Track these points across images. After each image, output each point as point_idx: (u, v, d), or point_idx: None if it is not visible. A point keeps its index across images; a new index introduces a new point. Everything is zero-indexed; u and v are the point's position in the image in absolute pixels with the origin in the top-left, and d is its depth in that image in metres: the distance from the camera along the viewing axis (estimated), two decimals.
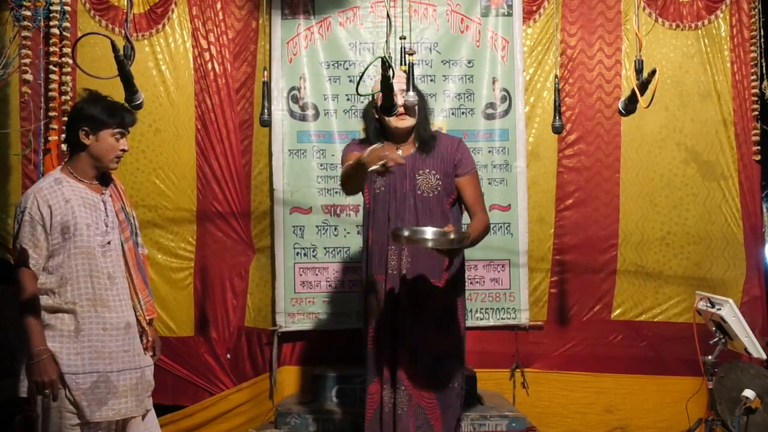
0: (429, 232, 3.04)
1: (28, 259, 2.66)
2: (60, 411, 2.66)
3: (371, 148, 2.89)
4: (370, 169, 2.82)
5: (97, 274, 2.73)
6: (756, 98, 4.55)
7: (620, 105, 2.96)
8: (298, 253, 4.47)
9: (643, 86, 2.76)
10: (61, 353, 2.66)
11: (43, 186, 2.73)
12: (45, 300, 2.69)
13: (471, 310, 4.49)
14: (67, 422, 2.66)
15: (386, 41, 2.73)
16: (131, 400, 2.77)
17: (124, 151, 2.83)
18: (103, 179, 2.88)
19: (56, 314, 2.69)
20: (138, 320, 2.86)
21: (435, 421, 3.22)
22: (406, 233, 3.02)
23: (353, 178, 3.11)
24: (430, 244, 3.02)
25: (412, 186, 3.26)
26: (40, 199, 2.68)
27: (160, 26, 4.50)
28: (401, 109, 3.12)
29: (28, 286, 2.68)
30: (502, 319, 4.53)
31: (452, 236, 2.99)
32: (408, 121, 3.24)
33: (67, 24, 4.28)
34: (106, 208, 2.82)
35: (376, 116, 3.30)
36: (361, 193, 3.38)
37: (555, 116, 3.87)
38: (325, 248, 4.48)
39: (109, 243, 2.79)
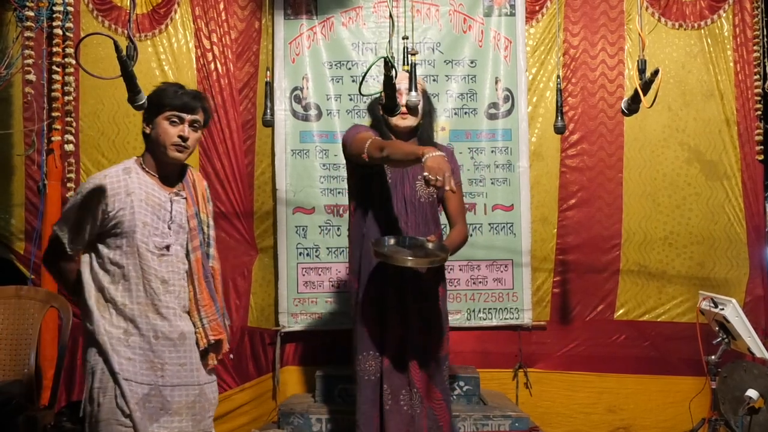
0: (408, 252, 3.03)
1: (64, 236, 2.53)
2: (110, 424, 2.43)
3: (437, 155, 2.66)
4: (423, 176, 2.65)
5: (149, 277, 2.52)
6: (759, 98, 4.56)
7: (623, 105, 2.96)
8: (300, 253, 4.47)
9: (646, 86, 2.75)
10: (114, 355, 2.45)
11: (110, 173, 2.55)
12: (96, 293, 2.52)
13: (474, 311, 4.50)
14: None
15: (389, 41, 2.72)
16: (187, 420, 2.54)
17: (182, 138, 2.57)
18: (179, 177, 2.69)
19: (104, 312, 2.50)
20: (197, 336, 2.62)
21: (444, 423, 3.24)
22: (385, 251, 3.02)
23: (391, 160, 2.91)
24: (409, 264, 3.00)
25: (412, 191, 3.27)
26: (100, 187, 2.50)
27: (162, 26, 4.50)
28: (404, 109, 3.12)
29: (65, 270, 2.64)
30: (505, 319, 4.53)
31: (431, 247, 3.04)
32: (409, 120, 3.24)
33: (70, 24, 4.28)
34: (172, 209, 2.62)
35: (381, 113, 3.31)
36: (355, 195, 3.36)
37: (557, 116, 3.87)
38: (327, 248, 4.48)
39: (167, 247, 2.57)
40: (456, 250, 3.30)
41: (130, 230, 2.50)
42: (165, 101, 2.55)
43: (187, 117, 2.58)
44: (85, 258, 2.58)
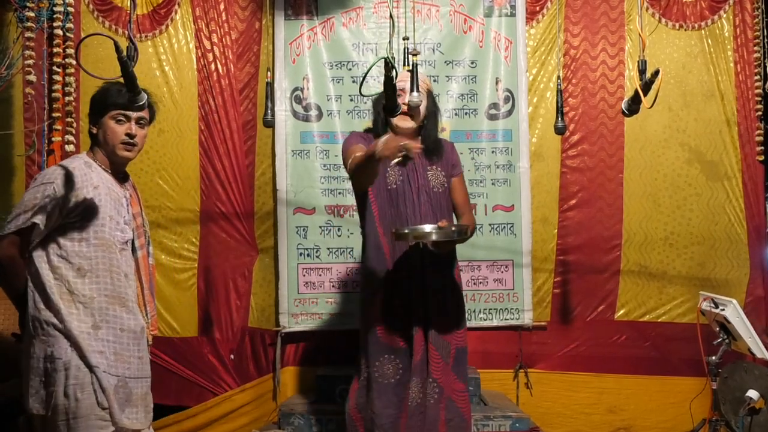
0: (430, 227, 3.05)
1: (42, 223, 2.44)
2: (90, 419, 2.44)
3: (384, 139, 2.82)
4: (393, 162, 2.83)
5: (116, 269, 2.55)
6: (759, 98, 4.56)
7: (623, 105, 2.95)
8: (301, 254, 4.47)
9: (647, 86, 2.75)
10: (85, 348, 2.45)
11: (74, 165, 2.55)
12: (58, 288, 2.48)
13: (475, 311, 4.49)
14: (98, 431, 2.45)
15: (389, 42, 2.72)
16: (141, 411, 2.59)
17: (130, 136, 2.59)
18: (124, 178, 2.71)
19: (71, 307, 2.47)
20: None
21: (467, 414, 3.25)
22: (407, 230, 3.06)
23: (367, 170, 3.01)
24: (434, 237, 3.04)
25: (425, 180, 3.28)
26: (70, 177, 2.49)
27: (163, 27, 4.50)
28: (404, 108, 3.12)
29: (22, 267, 2.51)
30: (505, 319, 4.53)
31: (453, 228, 3.05)
32: (409, 122, 3.25)
33: (70, 25, 4.28)
34: (127, 206, 2.65)
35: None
36: (364, 197, 3.35)
37: (557, 117, 3.87)
38: (328, 249, 4.47)
39: (127, 242, 2.61)
40: (467, 237, 3.28)
41: (98, 223, 2.52)
42: (109, 100, 2.56)
43: (134, 114, 2.60)
44: (38, 253, 2.52)
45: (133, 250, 2.68)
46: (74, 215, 2.49)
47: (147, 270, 2.71)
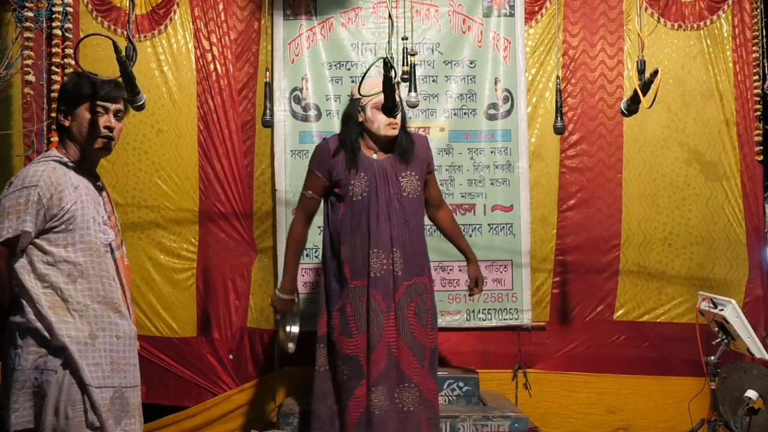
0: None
1: (32, 231, 2.32)
2: None
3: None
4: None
5: (105, 274, 2.42)
6: (758, 98, 4.56)
7: (622, 105, 2.96)
8: None
9: (646, 86, 2.76)
10: (81, 363, 2.31)
11: (55, 166, 2.38)
12: (50, 298, 2.34)
13: (473, 311, 4.50)
14: None
15: (388, 42, 2.73)
16: (138, 422, 2.45)
17: (109, 129, 2.43)
18: (95, 176, 2.56)
19: (66, 316, 2.34)
20: None
21: (437, 409, 3.35)
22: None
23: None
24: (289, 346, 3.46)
25: (397, 189, 3.29)
26: (52, 179, 2.34)
27: (162, 27, 4.50)
28: (395, 121, 3.16)
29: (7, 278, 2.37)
30: (504, 319, 4.52)
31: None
32: (396, 130, 3.25)
33: (69, 25, 4.28)
34: (104, 205, 2.52)
35: (360, 120, 3.32)
36: (327, 201, 3.44)
37: (556, 117, 3.87)
38: None
39: (109, 245, 2.47)
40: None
41: (84, 225, 2.39)
42: (86, 91, 2.41)
43: (112, 106, 2.45)
44: (19, 263, 2.37)
45: (111, 251, 2.52)
46: (58, 219, 2.36)
47: (125, 271, 2.56)
